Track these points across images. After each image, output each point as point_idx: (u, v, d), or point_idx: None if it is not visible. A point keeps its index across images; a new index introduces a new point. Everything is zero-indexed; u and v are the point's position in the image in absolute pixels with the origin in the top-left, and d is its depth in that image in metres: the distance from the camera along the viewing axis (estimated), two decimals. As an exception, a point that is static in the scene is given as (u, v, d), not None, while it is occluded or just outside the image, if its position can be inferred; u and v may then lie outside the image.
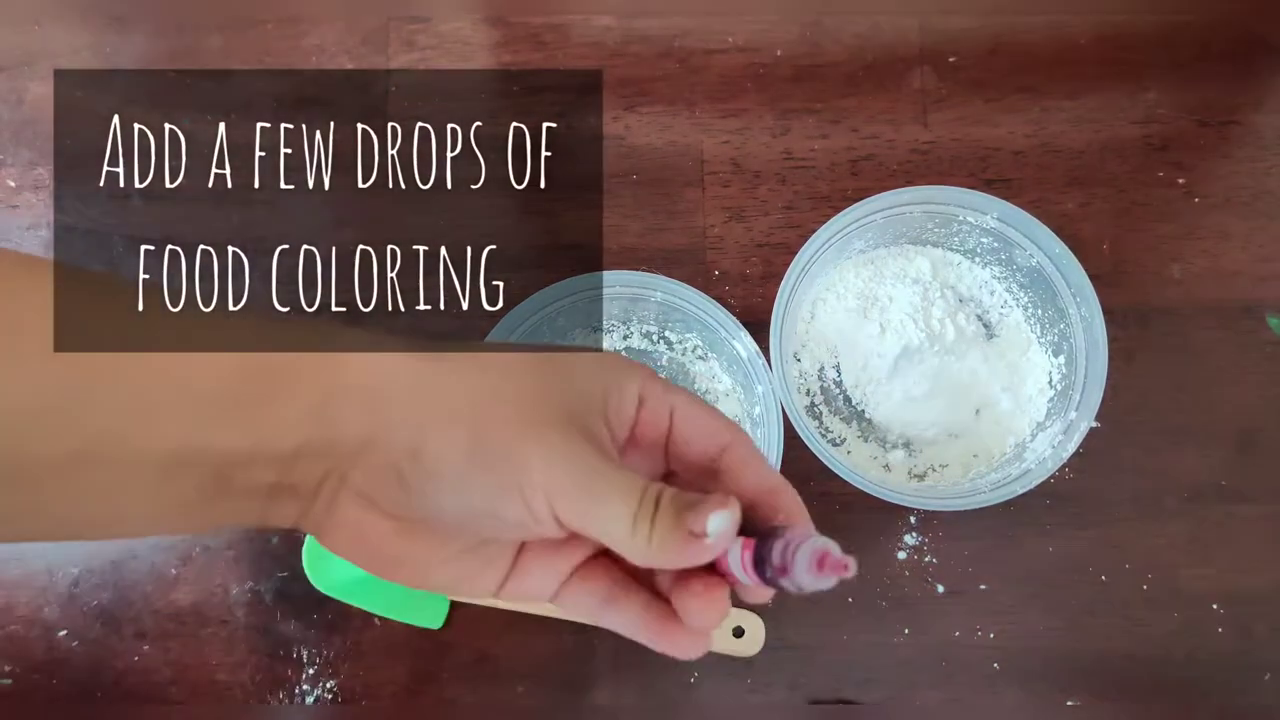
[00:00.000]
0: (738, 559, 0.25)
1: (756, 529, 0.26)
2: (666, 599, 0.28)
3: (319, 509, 0.26)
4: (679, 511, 0.25)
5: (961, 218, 0.49)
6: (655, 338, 0.53)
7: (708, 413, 0.29)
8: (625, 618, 0.30)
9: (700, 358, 0.53)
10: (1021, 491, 0.45)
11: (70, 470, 0.23)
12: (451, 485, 0.25)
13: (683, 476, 0.30)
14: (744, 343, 0.47)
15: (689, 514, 0.24)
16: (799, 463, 0.50)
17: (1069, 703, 0.49)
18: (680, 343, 0.53)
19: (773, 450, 0.45)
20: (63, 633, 0.51)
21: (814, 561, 0.23)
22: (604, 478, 0.25)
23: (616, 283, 0.49)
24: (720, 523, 0.24)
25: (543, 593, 0.28)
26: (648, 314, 0.52)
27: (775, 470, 0.28)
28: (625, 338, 0.53)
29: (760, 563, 0.25)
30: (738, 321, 0.47)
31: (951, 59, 0.56)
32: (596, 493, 0.25)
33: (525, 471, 0.25)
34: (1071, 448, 0.46)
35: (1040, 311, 0.51)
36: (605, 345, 0.53)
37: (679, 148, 0.55)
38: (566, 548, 0.28)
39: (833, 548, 0.24)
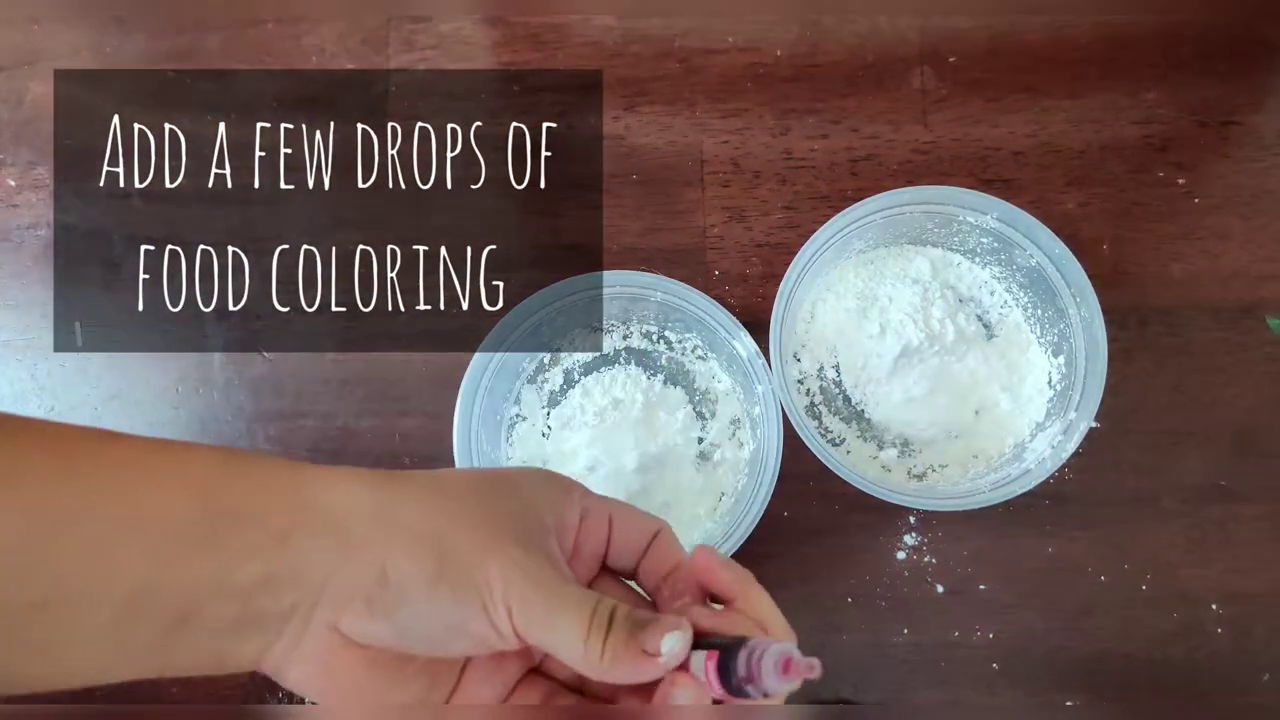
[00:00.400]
0: (700, 669, 0.26)
1: (716, 640, 0.27)
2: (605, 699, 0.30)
3: (284, 644, 0.26)
4: (632, 631, 0.26)
5: (961, 218, 0.49)
6: (655, 337, 0.53)
7: (638, 512, 0.31)
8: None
9: (700, 357, 0.53)
10: (1021, 492, 0.45)
11: (29, 620, 0.23)
12: (419, 606, 0.26)
13: (613, 578, 0.32)
14: (744, 343, 0.47)
15: (642, 634, 0.26)
16: (799, 463, 0.50)
17: (1068, 703, 0.49)
18: (680, 342, 0.53)
19: (772, 451, 0.45)
20: (62, 632, 0.51)
21: (779, 667, 0.25)
22: (559, 594, 0.26)
23: (616, 282, 0.48)
24: (673, 643, 0.26)
25: (489, 702, 0.30)
26: (648, 314, 0.52)
27: (685, 551, 0.31)
28: (625, 337, 0.53)
29: (724, 672, 0.26)
30: (737, 321, 0.47)
31: (951, 59, 0.55)
32: (553, 608, 0.26)
33: (488, 588, 0.26)
34: (1071, 448, 0.46)
35: (1040, 312, 0.51)
36: (605, 345, 0.53)
37: (679, 148, 0.55)
38: (509, 660, 0.29)
39: (794, 652, 0.25)
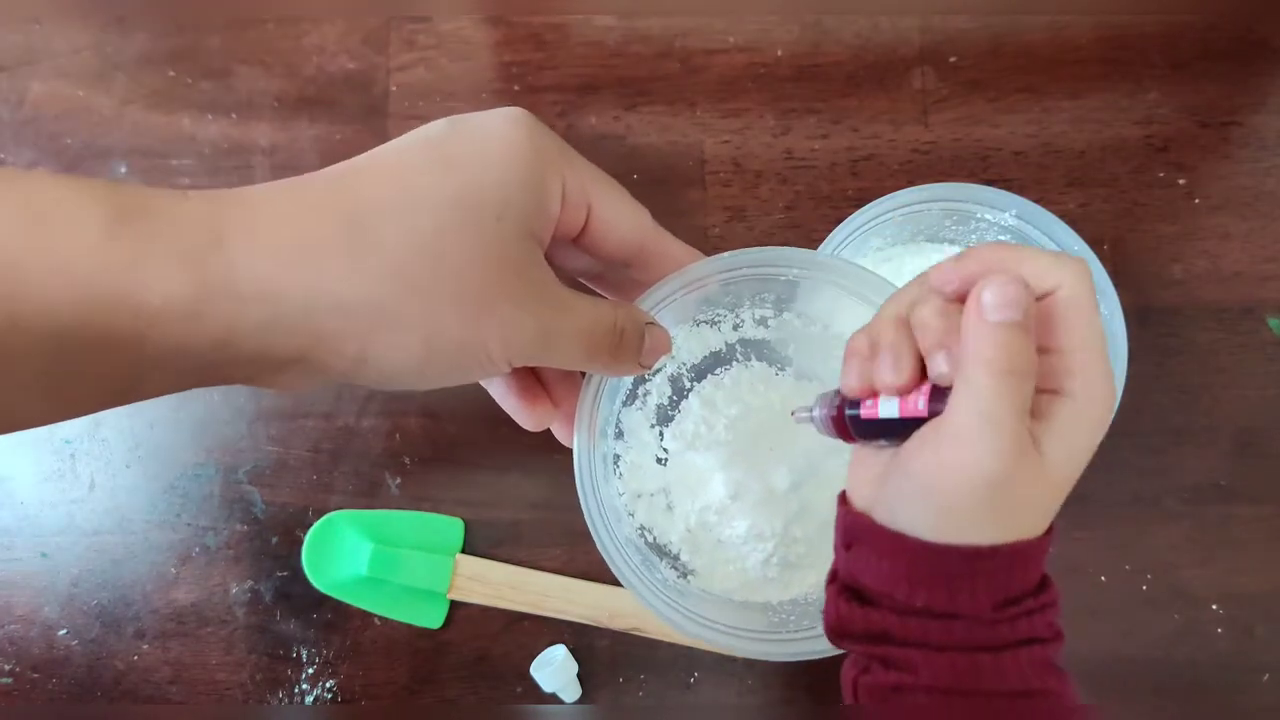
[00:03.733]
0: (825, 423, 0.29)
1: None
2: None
3: (259, 380, 0.26)
4: (633, 355, 0.29)
5: (979, 215, 0.49)
6: (771, 323, 0.43)
7: (627, 206, 0.30)
8: (499, 388, 0.33)
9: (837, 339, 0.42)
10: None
11: None
12: (409, 379, 0.26)
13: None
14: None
15: (641, 356, 0.30)
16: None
17: (1069, 703, 0.49)
18: (806, 328, 0.42)
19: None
20: (62, 632, 0.51)
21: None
22: (560, 334, 0.27)
23: (742, 264, 0.37)
24: (664, 361, 0.30)
25: None
26: (765, 295, 0.42)
27: (688, 248, 0.33)
28: (736, 327, 0.44)
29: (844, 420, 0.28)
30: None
31: (951, 59, 0.55)
32: (556, 346, 0.27)
33: (485, 353, 0.26)
34: None
35: (1056, 310, 0.50)
36: (714, 341, 0.43)
37: (680, 147, 0.55)
38: None
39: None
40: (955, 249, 0.53)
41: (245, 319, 0.23)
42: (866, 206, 0.48)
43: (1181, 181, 0.54)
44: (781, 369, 0.44)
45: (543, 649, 0.50)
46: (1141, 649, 0.49)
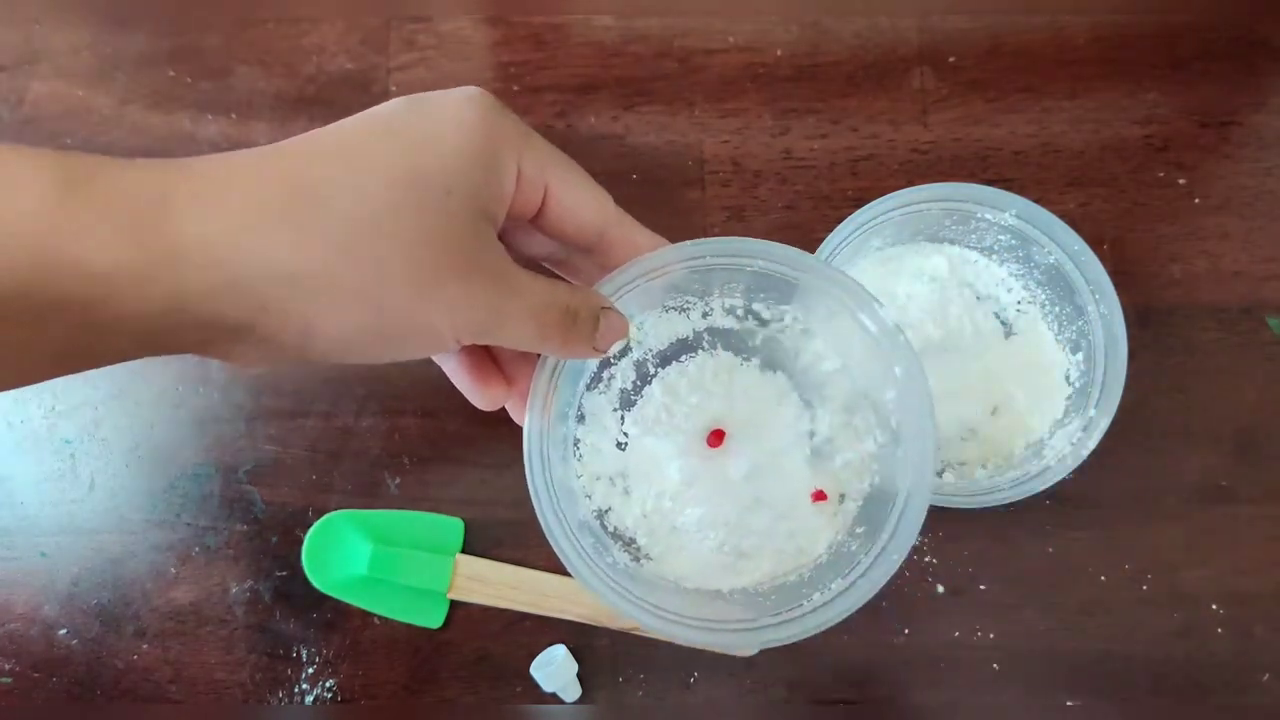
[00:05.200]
0: None
1: None
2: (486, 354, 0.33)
3: (213, 349, 0.26)
4: (587, 335, 0.29)
5: (979, 215, 0.49)
6: (742, 313, 0.43)
7: (587, 190, 0.30)
8: (452, 366, 0.33)
9: (804, 333, 0.43)
10: (1042, 489, 0.45)
11: None
12: (357, 354, 0.26)
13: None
14: (875, 316, 0.37)
15: (596, 337, 0.30)
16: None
17: (1069, 703, 0.49)
18: (775, 319, 0.43)
19: (927, 434, 0.35)
20: (62, 631, 0.51)
21: None
22: (510, 314, 0.27)
23: (705, 253, 0.37)
24: (620, 346, 0.31)
25: None
26: (734, 285, 0.41)
27: (652, 235, 0.33)
28: (705, 315, 0.44)
29: None
30: (867, 290, 0.37)
31: (951, 59, 0.56)
32: (505, 327, 0.27)
33: (433, 331, 0.26)
34: (1091, 445, 0.46)
35: (1058, 309, 0.50)
36: (683, 327, 0.43)
37: (679, 147, 0.55)
38: None
39: None
40: (955, 249, 0.53)
41: (193, 284, 0.23)
42: (866, 206, 0.48)
43: (1181, 181, 0.54)
44: (747, 359, 0.44)
45: (543, 649, 0.50)
46: (1141, 649, 0.49)
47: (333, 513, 0.52)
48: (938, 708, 0.49)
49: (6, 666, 0.51)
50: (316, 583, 0.50)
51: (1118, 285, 0.47)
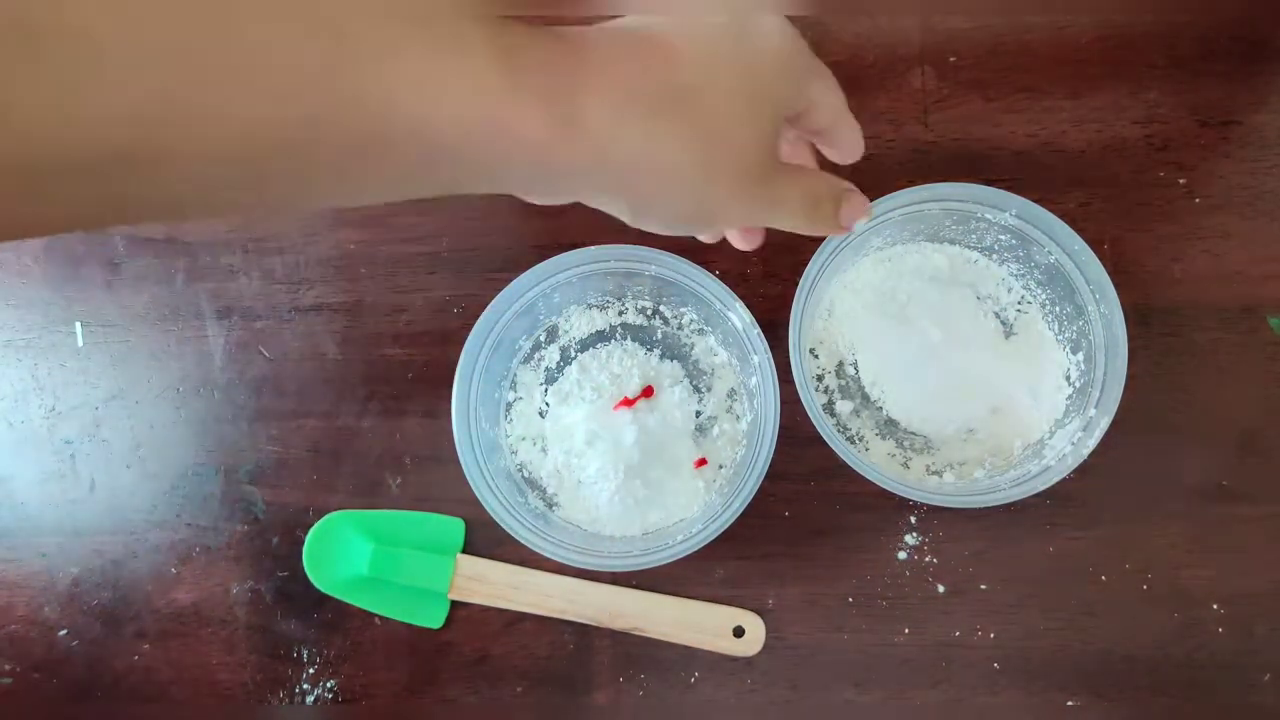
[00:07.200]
0: None
1: None
2: None
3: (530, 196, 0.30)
4: (839, 215, 0.35)
5: (980, 215, 0.49)
6: (650, 312, 0.54)
7: (834, 95, 0.35)
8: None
9: (696, 331, 0.53)
10: (1043, 488, 0.45)
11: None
12: (666, 228, 0.31)
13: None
14: (739, 314, 0.48)
15: (849, 220, 0.35)
16: (800, 462, 0.51)
17: (1069, 703, 0.49)
18: (676, 317, 0.53)
19: (769, 419, 0.46)
20: (63, 632, 0.51)
21: None
22: (780, 207, 0.32)
23: (610, 257, 0.49)
24: (864, 223, 0.36)
25: None
26: (643, 289, 0.52)
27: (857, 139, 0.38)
28: (621, 313, 0.54)
29: None
30: (732, 292, 0.48)
31: (951, 59, 0.55)
32: (776, 218, 0.33)
33: (731, 219, 0.32)
34: (1092, 444, 0.46)
35: (1058, 308, 0.50)
36: (601, 321, 0.54)
37: (679, 147, 0.55)
38: None
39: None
40: (956, 249, 0.53)
41: (579, 159, 0.27)
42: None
43: (1182, 181, 0.54)
44: (650, 349, 0.53)
45: (543, 649, 0.50)
46: (1141, 649, 0.49)
47: (333, 513, 0.52)
48: (937, 708, 0.49)
49: (7, 668, 0.51)
50: (317, 583, 0.50)
51: (1118, 285, 0.47)
